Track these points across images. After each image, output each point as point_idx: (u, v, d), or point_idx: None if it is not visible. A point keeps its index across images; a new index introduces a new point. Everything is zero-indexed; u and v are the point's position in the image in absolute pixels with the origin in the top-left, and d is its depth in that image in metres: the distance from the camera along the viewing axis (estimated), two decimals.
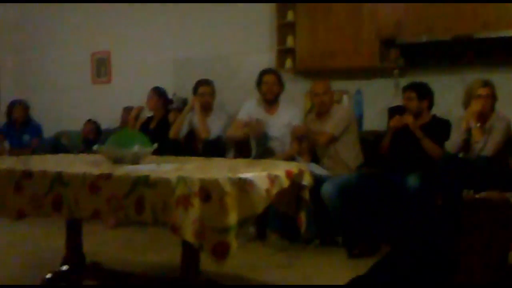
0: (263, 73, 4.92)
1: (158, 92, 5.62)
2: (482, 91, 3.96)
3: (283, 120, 4.79)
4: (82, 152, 5.02)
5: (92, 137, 6.18)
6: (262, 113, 4.85)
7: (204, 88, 5.28)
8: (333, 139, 4.53)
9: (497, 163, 3.76)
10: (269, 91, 4.83)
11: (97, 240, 4.39)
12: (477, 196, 1.41)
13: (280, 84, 4.92)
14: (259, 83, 4.89)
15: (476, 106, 3.93)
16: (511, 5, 4.55)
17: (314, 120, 4.74)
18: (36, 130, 6.60)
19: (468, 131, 3.92)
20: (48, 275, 3.26)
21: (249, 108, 4.95)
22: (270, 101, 4.86)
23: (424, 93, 4.41)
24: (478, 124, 3.87)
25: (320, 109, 4.66)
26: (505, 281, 1.41)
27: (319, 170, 4.39)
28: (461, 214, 1.43)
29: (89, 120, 6.40)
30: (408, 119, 4.31)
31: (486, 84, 4.01)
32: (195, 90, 5.30)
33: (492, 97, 3.98)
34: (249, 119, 4.81)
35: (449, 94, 4.84)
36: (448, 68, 5.14)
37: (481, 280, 1.42)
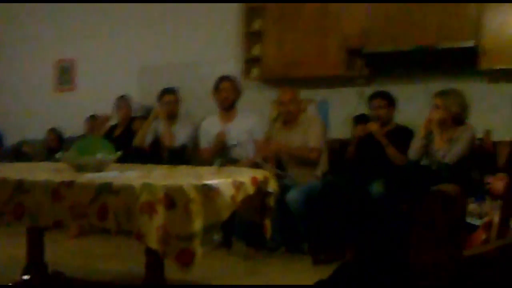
0: (220, 80, 4.92)
1: (128, 102, 5.59)
2: (436, 101, 4.07)
3: (243, 127, 4.80)
4: (45, 160, 4.95)
5: (54, 145, 6.08)
6: (219, 124, 4.86)
7: (169, 97, 5.26)
8: (321, 153, 4.54)
9: (458, 171, 3.83)
10: (225, 98, 4.84)
11: (59, 249, 4.31)
12: (432, 188, 1.45)
13: (237, 91, 4.94)
14: (216, 90, 4.89)
15: (431, 114, 4.03)
16: (473, 16, 4.66)
17: (281, 129, 4.74)
18: None
19: (427, 138, 4.01)
20: (9, 284, 3.19)
21: (207, 126, 4.97)
22: (227, 109, 4.86)
23: (392, 101, 4.50)
24: (437, 131, 3.95)
25: (286, 118, 4.67)
26: (461, 273, 1.44)
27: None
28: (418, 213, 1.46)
29: (52, 129, 6.30)
30: (373, 126, 4.37)
31: (441, 94, 4.10)
32: (160, 98, 5.28)
33: (449, 107, 4.03)
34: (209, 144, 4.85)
35: (413, 103, 4.93)
36: (412, 77, 5.23)
37: (437, 273, 1.44)
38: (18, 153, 6.04)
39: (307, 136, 4.53)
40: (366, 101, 4.63)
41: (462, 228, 1.53)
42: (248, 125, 4.81)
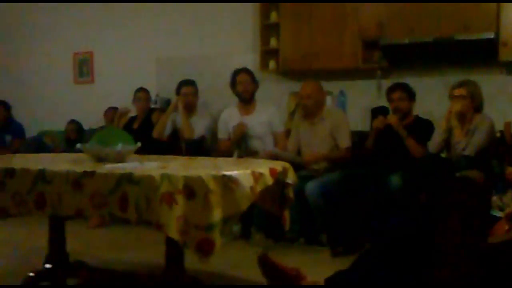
0: (236, 73, 4.94)
1: (147, 94, 5.63)
2: (456, 92, 4.03)
3: (262, 119, 4.83)
4: (65, 151, 5.00)
5: (74, 137, 6.14)
6: (238, 115, 4.88)
7: (187, 88, 5.28)
8: (349, 153, 4.55)
9: (479, 163, 3.81)
10: (245, 90, 4.86)
11: (80, 239, 4.36)
12: (457, 174, 1.45)
13: (255, 82, 4.95)
14: (233, 83, 4.91)
15: (451, 106, 4.00)
16: (491, 7, 4.61)
17: (303, 122, 4.72)
18: (18, 130, 6.54)
19: (448, 131, 3.98)
20: (31, 274, 3.24)
21: (226, 118, 5.00)
22: (246, 101, 4.88)
23: (412, 93, 4.48)
24: (457, 124, 3.92)
25: (304, 112, 4.65)
26: (485, 261, 1.44)
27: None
28: (444, 199, 1.46)
29: (72, 121, 6.36)
30: (392, 119, 4.35)
31: (461, 84, 4.06)
32: (178, 90, 5.30)
33: (471, 97, 4.01)
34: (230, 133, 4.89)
35: (431, 95, 4.90)
36: (430, 69, 5.21)
37: (463, 260, 1.45)
38: (39, 145, 6.09)
39: (337, 134, 4.52)
40: (385, 93, 4.59)
41: (487, 213, 1.54)
42: (267, 117, 4.83)
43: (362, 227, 4.09)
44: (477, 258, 1.44)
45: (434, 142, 4.05)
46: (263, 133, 4.80)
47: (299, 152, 4.71)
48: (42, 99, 7.19)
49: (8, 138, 6.40)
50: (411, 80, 4.73)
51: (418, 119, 4.45)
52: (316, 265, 3.82)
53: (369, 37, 5.09)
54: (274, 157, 4.16)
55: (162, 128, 5.21)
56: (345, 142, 4.51)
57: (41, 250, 3.44)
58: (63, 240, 3.38)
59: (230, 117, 4.95)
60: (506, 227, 1.94)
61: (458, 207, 1.45)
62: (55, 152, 4.82)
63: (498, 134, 4.24)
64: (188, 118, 5.19)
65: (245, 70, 4.99)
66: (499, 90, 4.92)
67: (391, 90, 4.52)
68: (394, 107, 4.44)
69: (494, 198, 2.79)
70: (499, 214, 2.29)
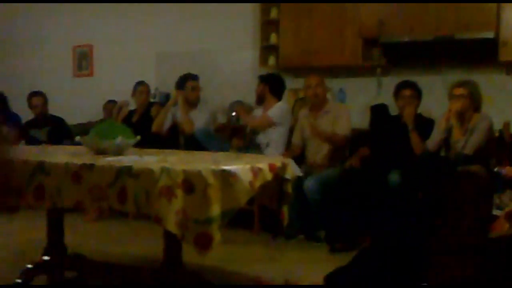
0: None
1: (146, 87, 5.62)
2: (456, 91, 4.03)
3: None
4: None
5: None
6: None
7: (194, 83, 5.28)
8: (349, 140, 4.57)
9: (477, 162, 3.81)
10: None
11: (78, 232, 4.37)
12: (459, 168, 1.45)
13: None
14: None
15: (451, 105, 4.00)
16: (491, 7, 4.61)
17: (308, 115, 4.73)
18: (15, 121, 6.51)
19: (448, 130, 3.99)
20: (29, 265, 3.24)
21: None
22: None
23: (421, 92, 4.52)
24: (456, 123, 3.93)
25: (313, 101, 4.64)
26: (487, 254, 1.44)
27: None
28: (446, 193, 1.46)
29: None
30: (409, 109, 4.33)
31: (461, 84, 4.06)
32: (181, 84, 5.28)
33: (470, 97, 4.01)
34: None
35: (430, 93, 4.89)
36: (429, 68, 5.21)
37: (463, 254, 1.46)
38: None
39: (336, 123, 4.55)
40: (393, 90, 4.58)
41: (490, 209, 1.54)
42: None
43: (360, 223, 4.10)
44: (477, 253, 1.45)
45: (433, 141, 4.06)
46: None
47: (304, 147, 4.72)
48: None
49: (5, 130, 6.35)
50: (411, 78, 4.72)
51: (420, 116, 4.45)
52: (314, 261, 3.84)
53: (369, 34, 5.08)
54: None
55: (162, 122, 5.21)
56: (343, 130, 4.53)
57: (39, 242, 3.45)
58: (61, 233, 3.39)
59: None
60: (506, 225, 1.95)
61: (462, 201, 1.45)
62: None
63: (497, 134, 4.25)
64: (187, 112, 5.18)
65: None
66: (498, 90, 4.92)
67: (401, 87, 4.51)
68: (403, 104, 4.43)
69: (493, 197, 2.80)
70: (497, 213, 2.30)
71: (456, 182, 1.48)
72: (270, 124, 4.84)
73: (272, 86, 5.03)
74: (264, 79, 5.08)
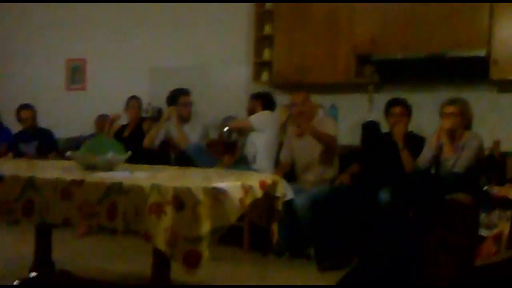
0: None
1: (139, 102, 5.61)
2: (447, 109, 4.05)
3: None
4: None
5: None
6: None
7: (186, 98, 5.28)
8: (335, 141, 4.54)
9: (467, 180, 3.82)
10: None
11: (66, 248, 4.33)
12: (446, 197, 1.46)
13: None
14: None
15: (442, 123, 4.02)
16: (483, 25, 4.65)
17: (295, 133, 4.71)
18: (5, 135, 6.47)
19: (438, 148, 3.99)
20: (16, 282, 3.21)
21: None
22: None
23: (411, 109, 4.54)
24: (447, 141, 3.94)
25: (299, 119, 4.61)
26: (472, 282, 1.44)
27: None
28: (430, 221, 1.46)
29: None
30: (398, 128, 4.34)
31: (452, 102, 4.09)
32: (173, 99, 5.27)
33: (461, 115, 4.03)
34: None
35: (422, 111, 4.91)
36: (421, 85, 5.23)
37: (449, 283, 1.45)
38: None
39: (323, 129, 4.49)
40: (384, 108, 4.60)
41: (475, 234, 1.54)
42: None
43: (350, 242, 4.09)
44: (464, 280, 1.44)
45: (424, 158, 4.07)
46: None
47: (292, 164, 4.71)
48: (33, 105, 7.14)
49: None
50: (403, 96, 4.75)
51: (411, 134, 4.46)
52: (303, 279, 3.82)
53: (362, 51, 5.11)
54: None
55: (154, 137, 5.19)
56: (330, 132, 4.48)
57: (27, 258, 3.42)
58: (49, 249, 3.36)
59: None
60: (494, 248, 1.94)
61: (446, 228, 1.45)
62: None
63: (487, 152, 4.26)
64: (181, 127, 5.18)
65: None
66: (489, 108, 4.95)
67: (391, 104, 4.53)
68: (393, 122, 4.45)
69: (482, 217, 2.79)
70: (486, 233, 2.29)
71: (442, 210, 1.49)
72: (248, 127, 4.89)
73: (263, 101, 5.06)
74: (255, 96, 5.13)
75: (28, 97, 7.07)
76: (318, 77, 5.39)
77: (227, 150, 5.15)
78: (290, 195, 3.87)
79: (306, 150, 4.58)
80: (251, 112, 5.11)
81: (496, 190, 3.22)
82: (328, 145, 4.46)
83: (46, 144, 5.86)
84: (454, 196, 1.52)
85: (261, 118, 4.96)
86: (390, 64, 5.07)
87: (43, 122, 6.12)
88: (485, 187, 3.40)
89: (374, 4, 5.05)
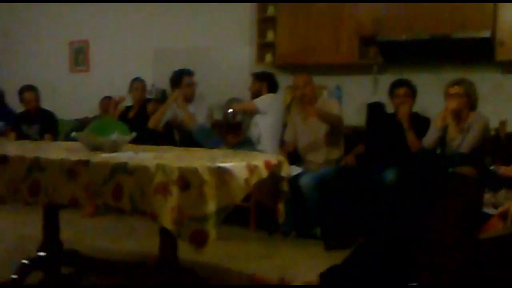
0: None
1: (143, 84, 5.61)
2: (452, 90, 4.04)
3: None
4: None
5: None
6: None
7: (189, 78, 5.26)
8: (341, 121, 4.55)
9: (472, 160, 3.82)
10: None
11: (74, 228, 4.37)
12: (450, 170, 1.47)
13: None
14: None
15: (448, 104, 4.01)
16: (488, 6, 4.62)
17: (298, 114, 4.72)
18: (10, 117, 6.48)
19: (444, 128, 3.99)
20: (24, 261, 3.24)
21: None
22: None
23: (415, 90, 4.54)
24: (452, 122, 3.94)
25: (302, 101, 4.64)
26: (476, 256, 1.45)
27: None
28: (437, 194, 1.47)
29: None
30: (403, 109, 4.33)
31: (457, 83, 4.07)
32: (177, 80, 5.25)
33: (467, 96, 4.02)
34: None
35: (427, 92, 4.90)
36: (426, 67, 5.22)
37: (452, 254, 1.46)
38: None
39: (328, 109, 4.51)
40: (388, 89, 4.59)
41: (479, 210, 1.55)
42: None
43: (356, 221, 4.11)
44: (468, 254, 1.45)
45: (429, 139, 4.07)
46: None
47: (296, 145, 4.73)
48: (36, 86, 7.15)
49: (0, 124, 6.34)
50: (407, 77, 4.74)
51: (416, 115, 4.46)
52: (309, 258, 3.85)
53: (366, 33, 5.08)
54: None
55: (160, 119, 5.15)
56: (335, 112, 4.51)
57: (35, 238, 3.45)
58: (57, 229, 3.38)
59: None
60: (500, 225, 1.95)
61: (450, 203, 1.46)
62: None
63: (493, 132, 4.26)
64: (187, 108, 5.19)
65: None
66: (494, 89, 4.94)
67: (396, 85, 4.53)
68: (398, 103, 4.44)
69: (488, 196, 2.80)
70: (493, 212, 2.30)
71: (446, 183, 1.50)
72: (253, 109, 4.91)
73: (269, 83, 5.06)
74: (261, 77, 5.11)
75: (32, 79, 7.08)
76: (321, 58, 5.38)
77: (231, 131, 5.16)
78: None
79: (311, 132, 4.59)
80: (255, 93, 5.10)
81: (503, 170, 3.23)
82: (335, 125, 4.46)
83: (48, 126, 5.86)
84: (459, 170, 1.53)
85: (266, 100, 4.97)
86: (394, 46, 5.04)
87: (47, 104, 6.12)
88: (492, 167, 3.40)
89: None
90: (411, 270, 2.05)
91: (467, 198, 1.43)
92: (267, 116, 4.91)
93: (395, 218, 2.79)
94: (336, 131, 4.50)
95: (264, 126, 4.89)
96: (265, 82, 5.08)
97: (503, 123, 4.46)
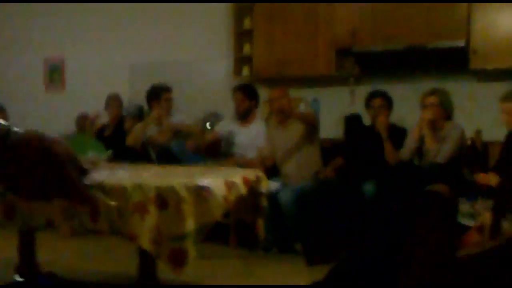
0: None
1: (120, 100, 5.55)
2: (427, 100, 4.07)
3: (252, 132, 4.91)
4: None
5: None
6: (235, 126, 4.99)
7: (168, 94, 5.21)
8: (314, 117, 4.60)
9: (450, 170, 3.85)
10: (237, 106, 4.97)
11: (52, 249, 4.28)
12: (426, 188, 1.47)
13: (250, 99, 4.98)
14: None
15: (423, 114, 4.04)
16: (463, 15, 4.67)
17: (276, 128, 4.70)
18: None
19: (420, 139, 4.02)
20: (1, 285, 3.17)
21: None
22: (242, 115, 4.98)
23: (391, 101, 4.55)
24: (428, 132, 3.96)
25: (278, 114, 4.61)
26: (455, 274, 1.45)
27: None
28: (412, 213, 1.47)
29: None
30: (381, 119, 4.34)
31: (432, 93, 4.11)
32: (154, 95, 5.18)
33: (442, 105, 4.05)
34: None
35: (404, 102, 4.93)
36: (402, 77, 5.25)
37: (431, 273, 1.46)
38: None
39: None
40: (364, 100, 4.61)
41: (455, 228, 1.55)
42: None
43: (336, 235, 4.09)
44: (446, 270, 1.45)
45: (407, 150, 4.09)
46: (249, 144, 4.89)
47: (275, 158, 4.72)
48: (13, 106, 7.05)
49: None
50: (384, 88, 4.76)
51: (393, 126, 4.47)
52: (291, 274, 3.82)
53: (342, 44, 5.11)
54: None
55: (139, 136, 5.03)
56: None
57: (10, 261, 3.37)
58: (33, 251, 3.32)
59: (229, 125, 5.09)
60: (477, 238, 1.95)
61: (424, 220, 1.46)
62: None
63: (469, 142, 4.29)
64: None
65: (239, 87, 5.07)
66: (470, 98, 4.98)
67: (372, 97, 4.54)
68: (374, 114, 4.46)
69: (466, 206, 2.81)
70: (470, 223, 2.30)
71: (420, 201, 1.50)
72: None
73: (257, 100, 5.04)
74: (248, 93, 5.02)
75: (8, 98, 6.99)
76: (298, 70, 5.38)
77: (209, 148, 5.10)
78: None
79: (287, 137, 4.58)
80: (246, 111, 5.01)
81: (480, 177, 3.25)
82: (310, 122, 4.49)
83: None
84: (431, 187, 1.54)
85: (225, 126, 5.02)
86: (370, 56, 5.07)
87: (24, 123, 6.02)
88: (468, 176, 3.43)
89: None
90: (394, 282, 2.05)
91: (440, 217, 1.43)
92: (248, 130, 4.90)
93: (375, 232, 2.79)
94: (312, 129, 4.51)
95: (245, 141, 4.87)
96: (253, 100, 5.03)
97: (478, 132, 4.51)
